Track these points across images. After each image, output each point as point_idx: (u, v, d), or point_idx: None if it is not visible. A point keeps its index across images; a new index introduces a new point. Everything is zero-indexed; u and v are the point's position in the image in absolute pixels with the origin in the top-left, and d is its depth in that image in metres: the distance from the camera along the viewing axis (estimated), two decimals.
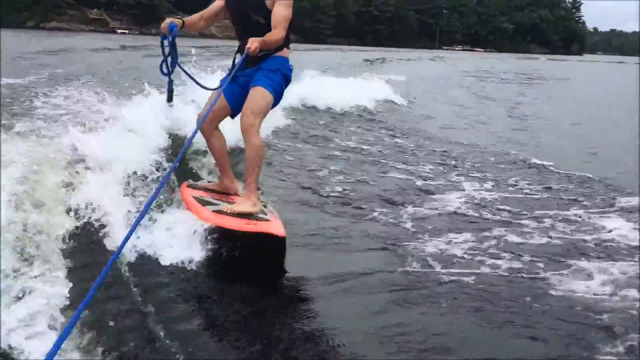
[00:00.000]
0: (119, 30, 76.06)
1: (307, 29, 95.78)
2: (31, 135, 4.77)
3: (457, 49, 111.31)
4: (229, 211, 3.86)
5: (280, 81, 4.04)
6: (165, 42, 4.02)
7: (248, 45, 3.76)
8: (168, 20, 4.02)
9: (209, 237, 3.77)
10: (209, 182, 4.76)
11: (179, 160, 3.39)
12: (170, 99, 4.62)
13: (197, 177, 5.10)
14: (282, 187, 5.85)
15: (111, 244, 3.74)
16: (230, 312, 3.31)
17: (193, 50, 7.15)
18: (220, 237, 3.79)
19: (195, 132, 3.34)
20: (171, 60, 4.08)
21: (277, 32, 3.90)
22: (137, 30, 76.85)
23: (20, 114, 6.34)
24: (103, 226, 3.90)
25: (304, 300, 3.50)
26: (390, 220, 5.00)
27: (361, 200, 5.56)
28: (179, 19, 4.09)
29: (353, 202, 5.46)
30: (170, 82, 4.37)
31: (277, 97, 4.07)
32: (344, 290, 3.61)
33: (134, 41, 40.08)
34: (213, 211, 3.89)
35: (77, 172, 4.25)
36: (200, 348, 2.86)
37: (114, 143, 4.71)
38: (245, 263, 3.76)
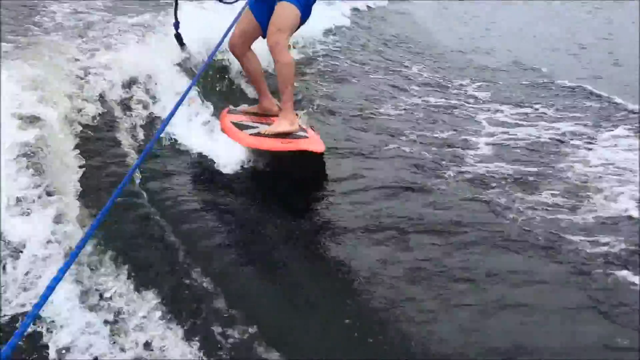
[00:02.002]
0: None
1: None
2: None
3: None
4: (266, 132, 3.86)
5: None
6: None
7: None
8: None
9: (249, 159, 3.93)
10: (249, 105, 4.67)
11: (200, 74, 3.33)
12: (180, 42, 4.67)
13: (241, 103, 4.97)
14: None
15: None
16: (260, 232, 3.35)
17: None
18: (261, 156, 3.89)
19: (218, 47, 3.12)
20: None
21: None
22: None
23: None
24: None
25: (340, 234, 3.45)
26: None
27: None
28: None
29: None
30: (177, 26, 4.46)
31: (305, 12, 3.87)
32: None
33: None
34: (251, 134, 3.89)
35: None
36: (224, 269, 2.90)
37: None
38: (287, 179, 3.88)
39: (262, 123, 4.15)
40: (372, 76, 7.16)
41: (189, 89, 2.98)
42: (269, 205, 3.62)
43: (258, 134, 3.89)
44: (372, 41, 9.32)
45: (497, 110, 5.98)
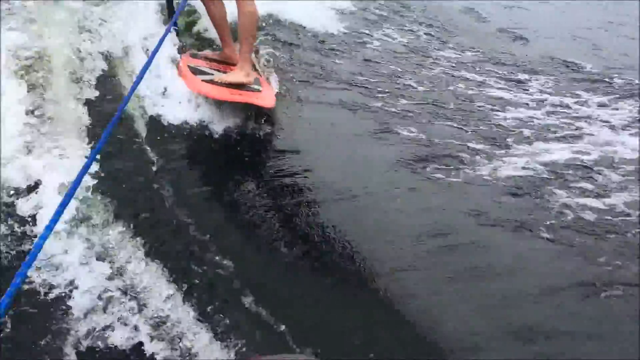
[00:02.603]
0: None
1: None
2: None
3: None
4: (219, 81, 3.82)
5: None
6: None
7: None
8: None
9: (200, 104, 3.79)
10: (212, 51, 4.62)
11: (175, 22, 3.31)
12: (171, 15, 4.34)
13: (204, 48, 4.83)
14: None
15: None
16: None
17: None
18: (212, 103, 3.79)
19: None
20: None
21: None
22: None
23: None
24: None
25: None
26: None
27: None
28: None
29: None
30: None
31: None
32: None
33: None
34: (204, 80, 3.84)
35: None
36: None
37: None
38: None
39: (219, 71, 4.08)
40: (386, 55, 5.91)
41: (166, 33, 3.04)
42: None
43: (211, 81, 3.83)
44: (395, 21, 7.16)
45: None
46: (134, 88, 2.23)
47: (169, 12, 4.46)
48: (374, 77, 5.19)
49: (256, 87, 3.89)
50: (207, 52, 4.49)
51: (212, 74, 3.98)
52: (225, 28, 4.27)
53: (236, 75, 3.87)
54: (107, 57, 4.03)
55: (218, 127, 3.72)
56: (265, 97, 3.77)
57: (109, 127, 1.95)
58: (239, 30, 3.88)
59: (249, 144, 3.68)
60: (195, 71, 3.98)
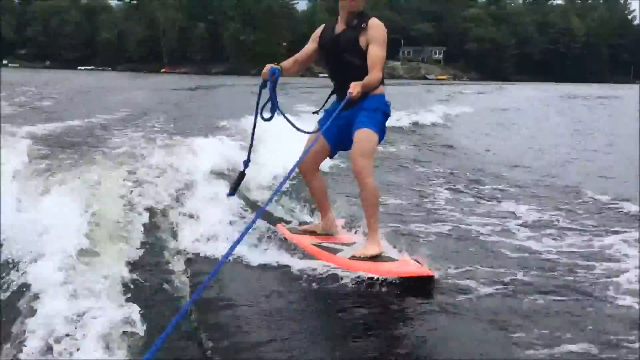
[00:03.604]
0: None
1: (491, 67, 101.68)
2: None
3: None
4: (362, 255, 3.88)
5: (381, 119, 4.07)
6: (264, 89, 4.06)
7: (350, 90, 3.77)
8: (268, 65, 4.04)
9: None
10: (300, 223, 4.84)
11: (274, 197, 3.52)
12: (235, 189, 4.52)
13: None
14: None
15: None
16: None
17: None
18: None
19: (292, 170, 3.44)
20: (271, 106, 4.08)
21: (375, 74, 3.93)
22: None
23: None
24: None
25: None
26: None
27: None
28: (277, 65, 4.07)
29: None
30: (246, 165, 4.43)
31: (381, 135, 4.11)
32: None
33: None
34: (350, 258, 3.90)
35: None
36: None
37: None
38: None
39: (339, 244, 4.20)
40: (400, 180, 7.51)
41: (265, 207, 3.73)
42: None
43: (354, 257, 3.89)
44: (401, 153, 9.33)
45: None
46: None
47: (236, 184, 4.49)
48: None
49: (391, 255, 3.94)
50: (297, 226, 4.69)
51: (343, 249, 4.08)
52: (325, 201, 4.45)
53: (372, 247, 3.94)
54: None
55: None
56: (413, 265, 3.77)
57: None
58: (364, 205, 4.04)
59: None
60: (322, 248, 4.10)
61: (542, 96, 38.62)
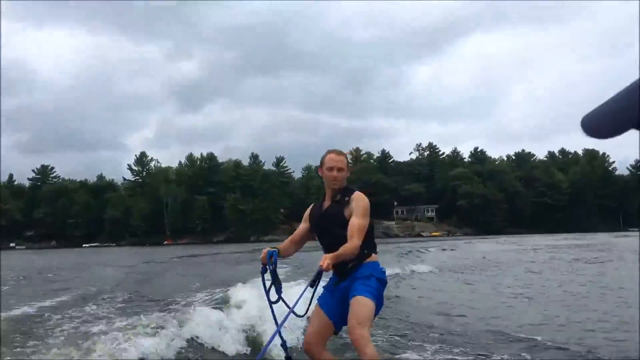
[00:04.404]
0: None
1: (482, 221, 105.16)
2: None
3: None
4: None
5: (376, 285, 4.05)
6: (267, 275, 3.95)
7: (320, 263, 3.75)
8: (265, 250, 4.00)
9: None
10: None
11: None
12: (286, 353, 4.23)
13: None
14: None
15: None
16: None
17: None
18: None
19: (270, 341, 3.85)
20: (276, 288, 3.92)
21: (352, 242, 3.95)
22: None
23: None
24: None
25: None
26: None
27: None
28: (274, 247, 4.07)
29: None
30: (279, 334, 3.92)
31: (378, 302, 4.05)
32: None
33: None
34: None
35: None
36: None
37: None
38: None
39: None
40: None
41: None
42: None
43: None
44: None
45: None
46: None
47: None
48: None
49: None
50: None
51: None
52: None
53: None
54: None
55: None
56: None
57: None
58: None
59: None
60: None
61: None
